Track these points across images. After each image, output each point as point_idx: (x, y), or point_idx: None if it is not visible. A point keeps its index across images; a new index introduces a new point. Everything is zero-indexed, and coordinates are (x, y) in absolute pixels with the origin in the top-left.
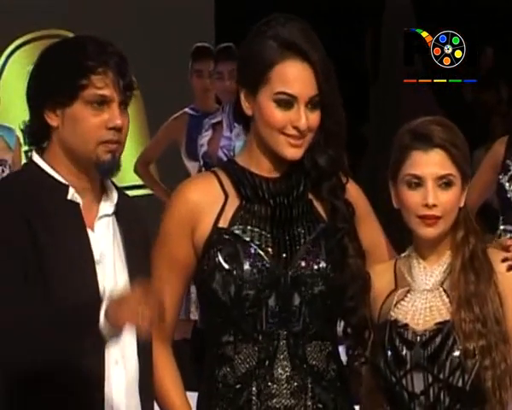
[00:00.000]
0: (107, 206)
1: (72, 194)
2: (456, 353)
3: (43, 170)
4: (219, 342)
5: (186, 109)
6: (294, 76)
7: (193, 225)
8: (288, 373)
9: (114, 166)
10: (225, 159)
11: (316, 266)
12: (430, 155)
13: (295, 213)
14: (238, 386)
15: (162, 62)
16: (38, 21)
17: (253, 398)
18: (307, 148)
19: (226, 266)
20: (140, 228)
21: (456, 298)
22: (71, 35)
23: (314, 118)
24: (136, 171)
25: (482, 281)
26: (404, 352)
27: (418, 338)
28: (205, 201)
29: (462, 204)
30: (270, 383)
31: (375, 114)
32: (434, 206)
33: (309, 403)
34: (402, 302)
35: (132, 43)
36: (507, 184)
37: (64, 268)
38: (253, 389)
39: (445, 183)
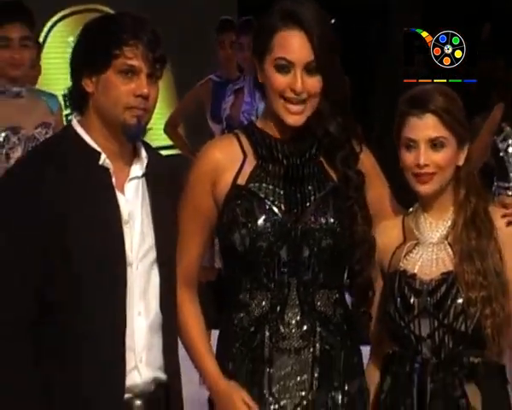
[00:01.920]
0: (138, 169)
1: (103, 159)
2: (460, 300)
3: (79, 135)
4: (237, 289)
5: (211, 76)
6: (291, 42)
7: (214, 181)
8: (298, 318)
9: (140, 130)
10: (246, 122)
11: (324, 221)
12: (423, 119)
13: (306, 172)
14: (252, 329)
15: (189, 33)
16: None
17: (266, 340)
18: (318, 117)
19: (243, 220)
20: (170, 188)
21: (458, 252)
22: (106, 9)
23: (313, 83)
24: (165, 132)
25: (483, 237)
26: (412, 299)
27: (425, 287)
28: (225, 159)
29: (460, 163)
30: (281, 327)
31: (377, 112)
32: (426, 165)
33: (317, 345)
34: (410, 254)
35: (162, 16)
36: (500, 145)
37: (88, 230)
38: (266, 332)
39: (436, 144)
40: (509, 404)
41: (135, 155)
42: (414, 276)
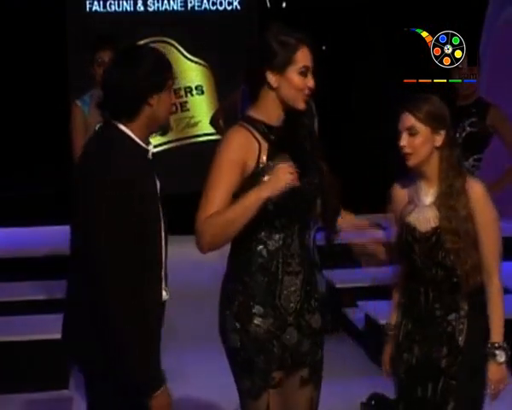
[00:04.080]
0: (149, 153)
1: (150, 154)
2: (446, 245)
3: (130, 137)
4: (258, 230)
5: (242, 87)
6: (307, 56)
7: (243, 162)
8: (298, 251)
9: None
10: None
11: (313, 184)
12: (404, 116)
13: (294, 149)
14: (269, 258)
15: (227, 59)
16: (153, 29)
17: (279, 266)
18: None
19: None
20: None
21: (441, 214)
22: (170, 40)
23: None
24: (211, 124)
25: (459, 206)
26: (414, 245)
27: (422, 237)
28: (249, 146)
29: (437, 144)
30: (288, 257)
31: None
32: (405, 147)
33: (306, 268)
34: (413, 213)
35: (208, 44)
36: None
37: (153, 198)
38: (280, 260)
39: (411, 132)
40: (486, 306)
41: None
42: (414, 229)
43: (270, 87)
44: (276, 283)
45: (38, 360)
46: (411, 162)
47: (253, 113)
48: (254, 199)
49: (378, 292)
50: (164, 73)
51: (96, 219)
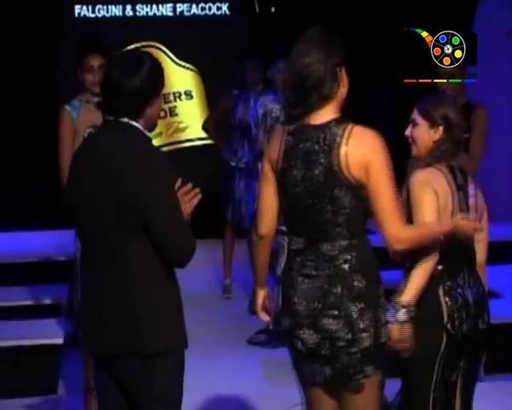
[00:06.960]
0: None
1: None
2: None
3: (144, 133)
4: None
5: (234, 91)
6: None
7: None
8: None
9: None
10: (252, 122)
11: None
12: (413, 110)
13: None
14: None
15: (216, 62)
16: (142, 34)
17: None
18: None
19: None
20: None
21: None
22: (159, 45)
23: None
24: (203, 128)
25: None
26: None
27: None
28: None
29: (435, 139)
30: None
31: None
32: (407, 136)
33: None
34: None
35: (197, 54)
36: None
37: None
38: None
39: (414, 124)
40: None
41: None
42: None
43: (343, 85)
44: None
45: (27, 364)
46: (413, 152)
47: (338, 113)
48: (438, 232)
49: None
50: (163, 85)
51: (165, 205)
